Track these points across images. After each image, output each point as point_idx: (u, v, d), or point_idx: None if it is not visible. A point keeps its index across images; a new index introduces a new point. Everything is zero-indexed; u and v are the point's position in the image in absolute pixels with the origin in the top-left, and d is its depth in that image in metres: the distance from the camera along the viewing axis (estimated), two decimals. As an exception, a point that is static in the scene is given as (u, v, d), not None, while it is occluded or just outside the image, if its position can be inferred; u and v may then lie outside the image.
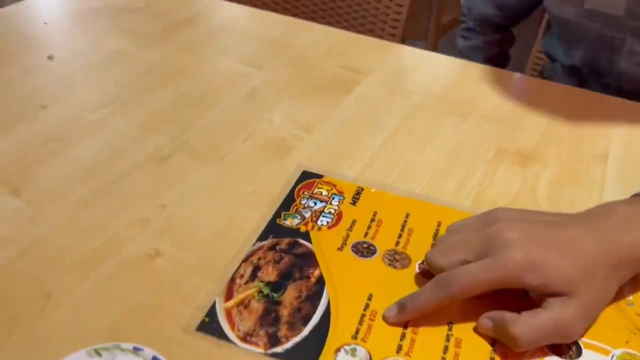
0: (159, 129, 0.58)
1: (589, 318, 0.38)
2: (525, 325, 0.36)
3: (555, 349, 0.38)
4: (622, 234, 0.39)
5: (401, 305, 0.39)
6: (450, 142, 0.59)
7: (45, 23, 0.79)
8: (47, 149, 0.54)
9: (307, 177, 0.53)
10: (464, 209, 0.50)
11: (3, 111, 0.60)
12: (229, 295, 0.40)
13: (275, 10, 1.17)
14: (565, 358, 0.37)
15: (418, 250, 0.45)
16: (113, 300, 0.39)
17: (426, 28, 2.03)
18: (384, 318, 0.39)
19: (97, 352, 0.33)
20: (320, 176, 0.53)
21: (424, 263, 0.42)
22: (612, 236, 0.39)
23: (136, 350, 0.33)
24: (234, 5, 0.89)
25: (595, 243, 0.38)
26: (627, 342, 0.38)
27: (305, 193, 0.51)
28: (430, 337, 0.38)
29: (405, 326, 0.39)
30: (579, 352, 0.38)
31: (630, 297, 0.42)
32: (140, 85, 0.66)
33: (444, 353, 0.37)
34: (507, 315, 0.37)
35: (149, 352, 0.33)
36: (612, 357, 0.37)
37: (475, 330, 0.39)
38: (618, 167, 0.57)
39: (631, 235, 0.39)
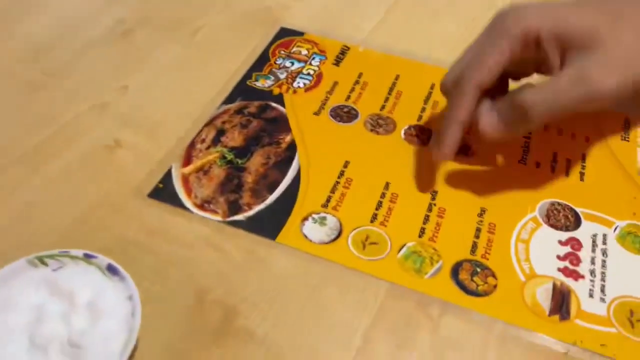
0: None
1: (622, 68, 0.29)
2: (537, 88, 0.29)
3: (549, 219, 0.33)
4: None
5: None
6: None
7: None
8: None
9: (285, 34, 0.46)
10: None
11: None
12: (187, 161, 0.36)
13: None
14: (562, 230, 0.33)
15: (405, 115, 0.40)
16: (65, 200, 0.34)
17: None
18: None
19: (42, 260, 0.27)
20: (300, 34, 0.47)
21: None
22: None
23: (88, 257, 0.27)
24: None
25: None
26: (634, 213, 0.34)
27: (282, 52, 0.45)
28: (410, 206, 0.34)
29: (383, 195, 0.34)
30: (578, 223, 0.33)
31: (644, 166, 0.37)
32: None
33: (424, 223, 0.33)
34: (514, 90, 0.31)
35: (103, 259, 0.27)
36: (615, 229, 0.33)
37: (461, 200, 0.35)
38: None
39: None
